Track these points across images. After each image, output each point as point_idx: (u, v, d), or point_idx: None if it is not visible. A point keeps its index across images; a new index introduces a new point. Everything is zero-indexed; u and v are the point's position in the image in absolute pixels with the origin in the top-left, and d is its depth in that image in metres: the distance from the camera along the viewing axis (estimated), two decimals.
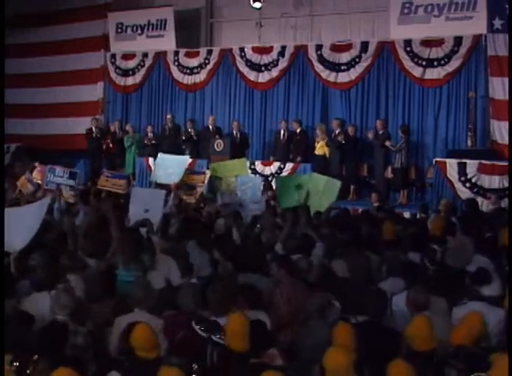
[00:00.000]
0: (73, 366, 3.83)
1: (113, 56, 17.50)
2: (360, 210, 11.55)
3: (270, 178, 13.45)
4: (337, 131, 13.91)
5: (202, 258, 6.60)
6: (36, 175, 12.52)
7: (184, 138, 15.24)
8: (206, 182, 12.24)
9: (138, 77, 17.22)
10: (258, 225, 8.48)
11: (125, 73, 17.35)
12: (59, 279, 5.42)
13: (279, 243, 7.22)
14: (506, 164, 11.68)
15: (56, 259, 6.01)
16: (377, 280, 6.06)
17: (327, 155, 13.88)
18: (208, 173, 12.50)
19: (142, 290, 5.07)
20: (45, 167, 12.41)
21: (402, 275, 5.84)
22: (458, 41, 13.36)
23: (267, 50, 15.41)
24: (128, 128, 16.21)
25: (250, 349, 4.22)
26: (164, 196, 9.43)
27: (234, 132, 14.82)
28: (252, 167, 13.89)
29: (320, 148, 13.95)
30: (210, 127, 15.25)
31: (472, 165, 12.06)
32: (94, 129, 16.38)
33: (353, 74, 14.45)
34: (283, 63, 15.22)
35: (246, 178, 11.47)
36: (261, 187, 11.45)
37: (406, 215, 11.57)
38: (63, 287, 5.17)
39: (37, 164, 13.03)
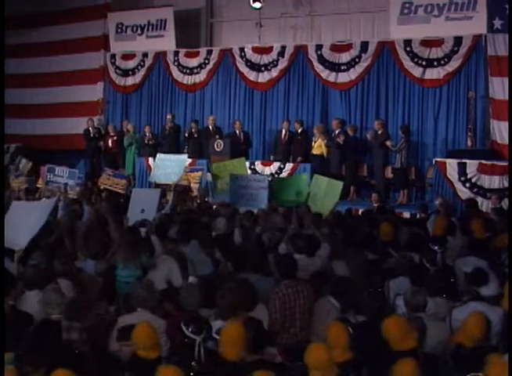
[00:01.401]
0: (70, 363, 3.81)
1: (113, 56, 17.49)
2: (360, 210, 11.55)
3: (270, 179, 13.45)
4: (336, 132, 13.92)
5: (203, 258, 6.59)
6: (25, 170, 12.59)
7: (187, 135, 15.22)
8: (201, 179, 12.27)
9: (138, 77, 17.22)
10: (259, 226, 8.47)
11: (125, 73, 17.35)
12: (49, 281, 5.41)
13: (283, 243, 7.21)
14: (506, 164, 11.69)
15: (51, 261, 5.99)
16: (377, 281, 6.06)
17: (325, 155, 13.87)
18: (205, 170, 12.55)
19: (144, 290, 5.08)
20: (44, 167, 12.44)
21: (409, 275, 5.87)
22: (458, 41, 13.36)
23: (267, 50, 15.41)
24: (129, 127, 16.22)
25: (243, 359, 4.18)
26: (158, 195, 9.43)
27: (237, 132, 14.79)
28: (252, 167, 13.89)
29: (317, 148, 13.93)
30: (210, 127, 15.24)
31: (472, 165, 12.06)
32: (91, 130, 16.39)
33: (353, 74, 14.46)
34: (282, 63, 15.22)
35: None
36: None
37: (406, 215, 11.58)
38: (52, 287, 5.19)
39: (23, 159, 13.05)
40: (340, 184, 10.55)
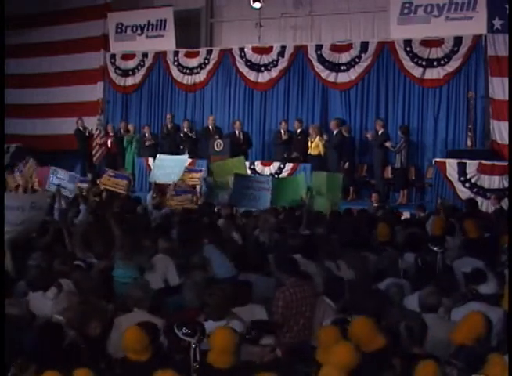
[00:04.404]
0: (62, 367, 3.80)
1: (113, 56, 17.49)
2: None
3: (271, 179, 13.43)
4: (335, 132, 13.91)
5: (222, 259, 6.47)
6: (30, 171, 12.57)
7: (182, 135, 15.20)
8: (201, 179, 12.26)
9: (137, 77, 17.21)
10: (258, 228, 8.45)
11: (125, 73, 17.34)
12: (52, 280, 5.41)
13: (281, 243, 7.20)
14: (505, 164, 11.69)
15: (52, 260, 5.99)
16: (376, 281, 6.07)
17: (322, 154, 13.85)
18: (205, 171, 12.56)
19: (140, 290, 5.08)
20: (49, 168, 12.44)
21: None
22: (458, 41, 13.37)
23: (267, 50, 15.41)
24: (129, 127, 16.22)
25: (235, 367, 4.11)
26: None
27: (236, 132, 14.77)
28: (252, 167, 13.88)
29: (315, 148, 13.90)
30: (210, 127, 15.24)
31: (472, 165, 12.07)
32: (82, 129, 16.41)
33: (353, 74, 14.46)
34: (282, 63, 15.22)
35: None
36: None
37: (406, 215, 11.56)
38: (57, 287, 5.19)
39: (31, 160, 13.07)
40: (339, 176, 10.65)
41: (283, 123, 14.56)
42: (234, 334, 4.16)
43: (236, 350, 4.11)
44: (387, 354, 4.23)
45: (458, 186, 12.16)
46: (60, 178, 11.90)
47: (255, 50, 15.54)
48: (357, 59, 14.38)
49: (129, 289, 5.16)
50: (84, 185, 12.26)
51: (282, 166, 13.85)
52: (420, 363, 3.81)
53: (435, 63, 13.62)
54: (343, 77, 14.59)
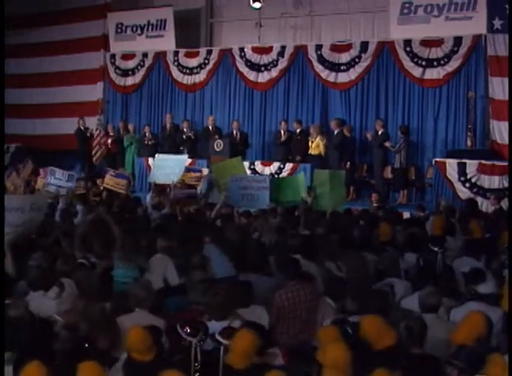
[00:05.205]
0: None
1: (113, 56, 17.50)
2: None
3: (270, 178, 13.43)
4: (335, 132, 13.91)
5: (224, 260, 6.47)
6: (27, 172, 12.61)
7: (184, 137, 15.22)
8: (202, 180, 12.28)
9: (137, 77, 17.22)
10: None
11: (125, 73, 17.35)
12: (53, 280, 5.42)
13: (281, 244, 7.20)
14: (505, 164, 11.70)
15: (53, 261, 6.00)
16: (376, 281, 6.07)
17: (323, 154, 13.85)
18: (205, 171, 12.57)
19: (143, 290, 5.08)
20: (47, 168, 12.46)
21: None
22: (458, 41, 13.37)
23: (267, 50, 15.42)
24: (129, 127, 16.22)
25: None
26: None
27: (234, 132, 14.79)
28: (252, 167, 13.88)
29: (315, 148, 13.90)
30: (210, 127, 15.24)
31: (472, 165, 12.08)
32: (83, 129, 16.42)
33: (353, 74, 14.46)
34: (282, 63, 15.22)
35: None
36: None
37: (406, 215, 11.56)
38: (59, 287, 5.20)
39: (29, 162, 13.10)
40: (342, 173, 10.68)
41: (283, 123, 14.56)
42: (256, 338, 4.17)
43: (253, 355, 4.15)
44: (396, 352, 4.23)
45: (458, 186, 12.17)
46: (58, 179, 11.91)
47: (255, 50, 15.54)
48: (357, 59, 14.38)
49: (131, 289, 5.16)
50: (76, 184, 12.24)
51: (282, 166, 13.84)
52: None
53: (435, 63, 13.63)
54: (343, 77, 14.60)
